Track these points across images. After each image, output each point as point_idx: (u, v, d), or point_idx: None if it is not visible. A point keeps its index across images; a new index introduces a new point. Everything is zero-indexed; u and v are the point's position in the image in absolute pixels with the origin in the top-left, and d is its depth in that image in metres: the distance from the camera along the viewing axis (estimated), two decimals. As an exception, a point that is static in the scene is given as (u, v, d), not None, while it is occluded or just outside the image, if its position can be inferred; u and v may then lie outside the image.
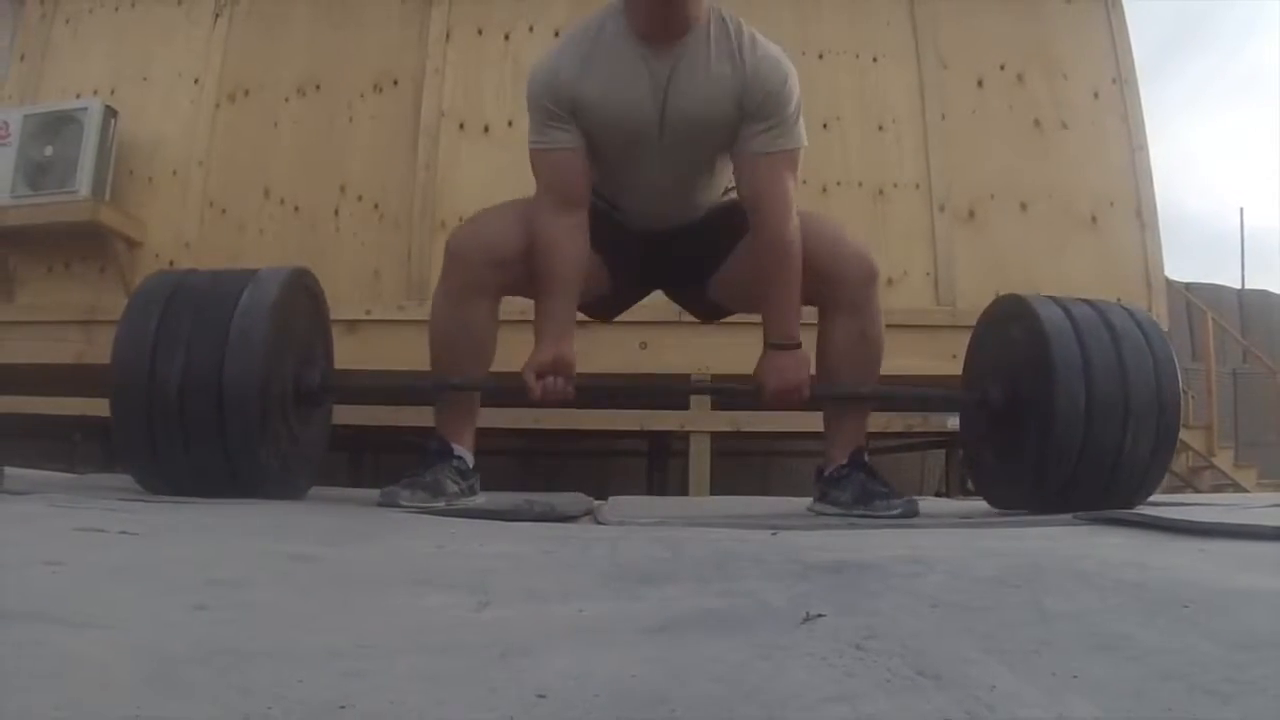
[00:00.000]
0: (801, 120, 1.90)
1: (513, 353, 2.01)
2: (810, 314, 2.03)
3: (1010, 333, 2.13)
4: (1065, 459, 1.93)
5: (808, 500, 2.15)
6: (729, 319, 3.97)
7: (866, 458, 2.05)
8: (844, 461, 2.03)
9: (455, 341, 1.98)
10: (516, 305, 2.08)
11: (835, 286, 1.96)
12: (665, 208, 2.04)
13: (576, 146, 1.89)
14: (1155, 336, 2.03)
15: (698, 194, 2.03)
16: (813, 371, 2.00)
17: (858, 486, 1.97)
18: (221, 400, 1.80)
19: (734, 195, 2.05)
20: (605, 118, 1.87)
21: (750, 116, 1.86)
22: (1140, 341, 1.99)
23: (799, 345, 1.93)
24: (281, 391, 1.95)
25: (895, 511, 1.88)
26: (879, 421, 4.29)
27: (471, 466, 2.00)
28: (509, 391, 1.93)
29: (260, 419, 1.84)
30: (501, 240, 1.93)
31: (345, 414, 4.35)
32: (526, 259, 1.92)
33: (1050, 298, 2.10)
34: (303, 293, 2.08)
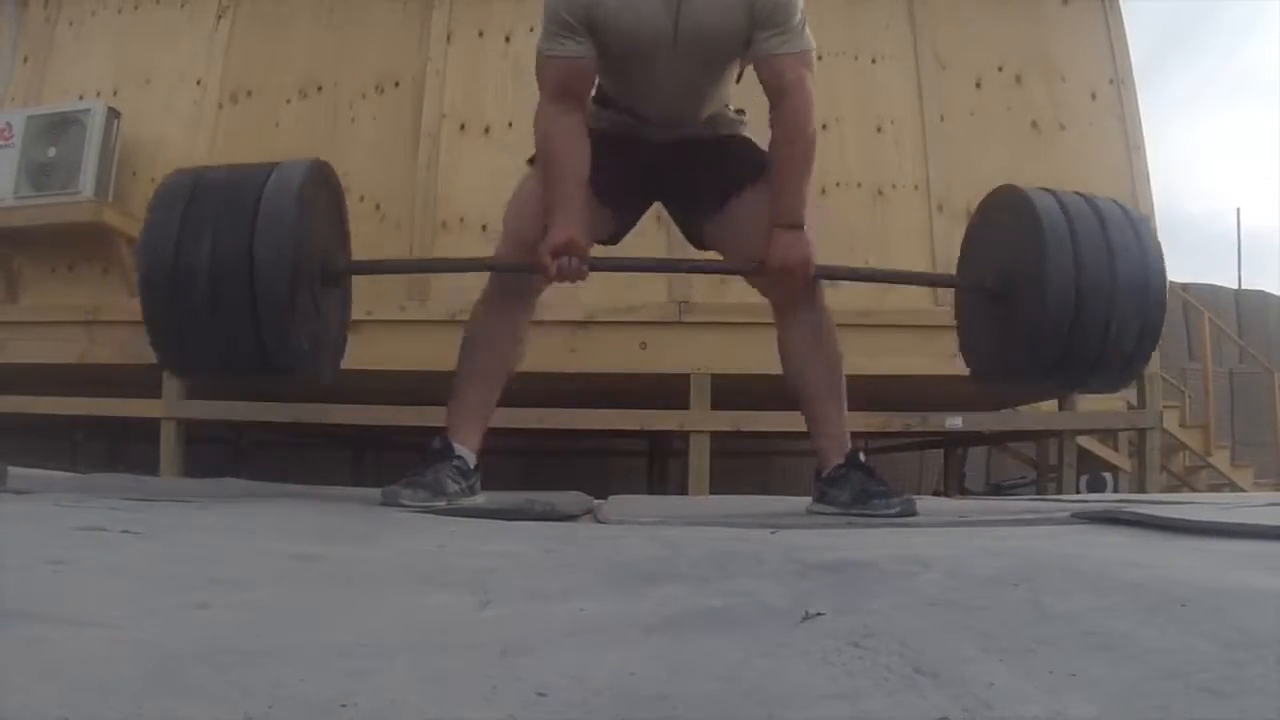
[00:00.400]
0: (808, 29, 2.00)
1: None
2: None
3: (1005, 219, 2.20)
4: (1057, 334, 2.01)
5: (807, 500, 2.15)
6: (729, 319, 3.98)
7: (863, 457, 2.05)
8: (841, 461, 2.03)
9: (491, 345, 2.07)
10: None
11: (782, 300, 2.07)
12: (675, 109, 2.10)
13: (586, 56, 1.96)
14: (1142, 226, 2.12)
15: (705, 97, 2.11)
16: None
17: (856, 486, 1.97)
18: (253, 279, 1.83)
19: (743, 127, 2.16)
20: (621, 29, 1.94)
21: (760, 25, 1.94)
22: (1128, 229, 2.08)
23: (803, 227, 1.99)
24: (309, 272, 1.98)
25: (894, 510, 1.88)
26: (877, 421, 4.30)
27: (473, 467, 2.01)
28: (529, 272, 1.99)
29: (291, 297, 1.87)
30: (535, 237, 1.99)
31: (347, 414, 4.37)
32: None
33: (1043, 188, 2.17)
34: (323, 184, 2.11)
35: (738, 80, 2.14)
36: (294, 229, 1.88)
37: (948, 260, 4.46)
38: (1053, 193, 2.13)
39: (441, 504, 1.85)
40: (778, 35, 1.94)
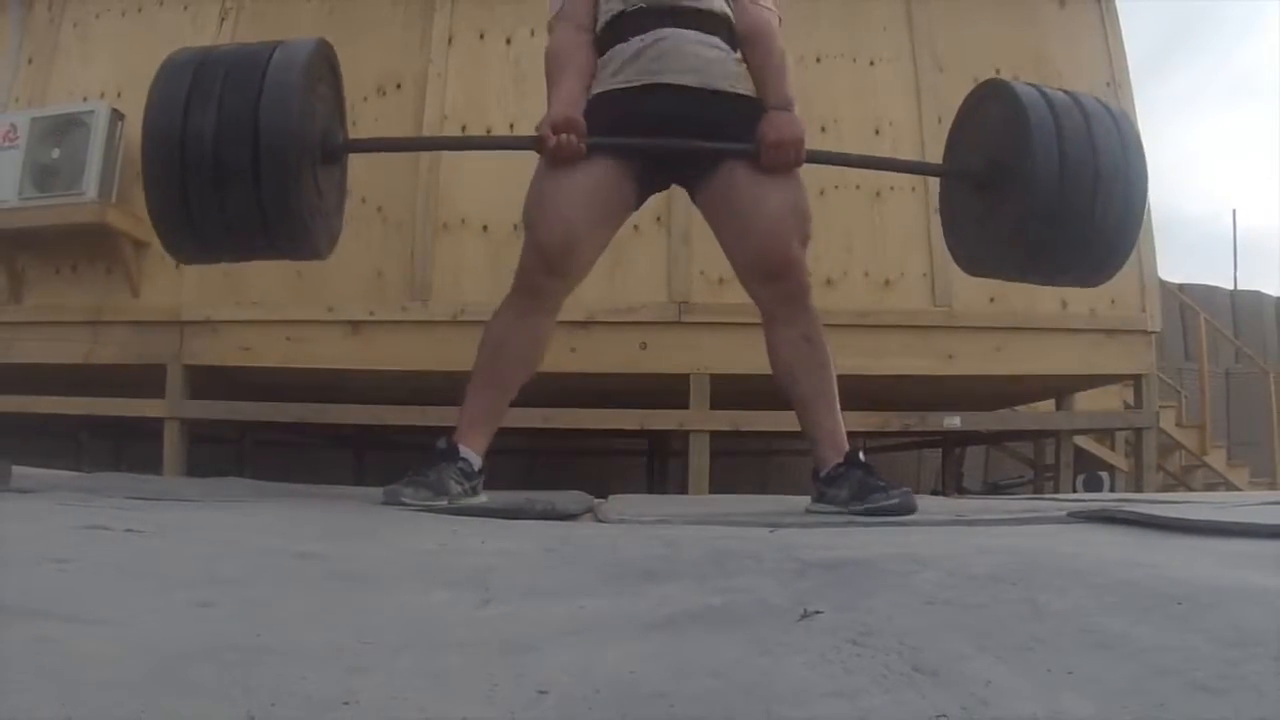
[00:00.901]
0: None
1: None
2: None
3: (990, 110, 2.24)
4: (1039, 219, 2.05)
5: (805, 499, 2.15)
6: (728, 320, 3.97)
7: (862, 455, 2.05)
8: (839, 460, 2.03)
9: (508, 349, 2.06)
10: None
11: (769, 301, 2.09)
12: (688, 43, 2.11)
13: None
14: (1123, 120, 2.17)
15: (716, 37, 2.14)
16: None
17: (855, 483, 1.97)
18: (257, 145, 1.86)
19: (752, 91, 2.17)
20: None
21: None
22: (1109, 121, 2.13)
23: (792, 107, 2.09)
24: (310, 145, 2.00)
25: (893, 502, 1.88)
26: (876, 421, 4.30)
27: (477, 469, 2.00)
28: (524, 147, 2.08)
29: (294, 165, 1.90)
30: (559, 243, 2.03)
31: (349, 414, 4.37)
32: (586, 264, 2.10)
33: (1032, 84, 2.22)
34: (325, 62, 2.13)
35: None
36: (298, 99, 1.91)
37: (946, 261, 4.47)
38: (1037, 87, 2.19)
39: (443, 504, 1.85)
40: None
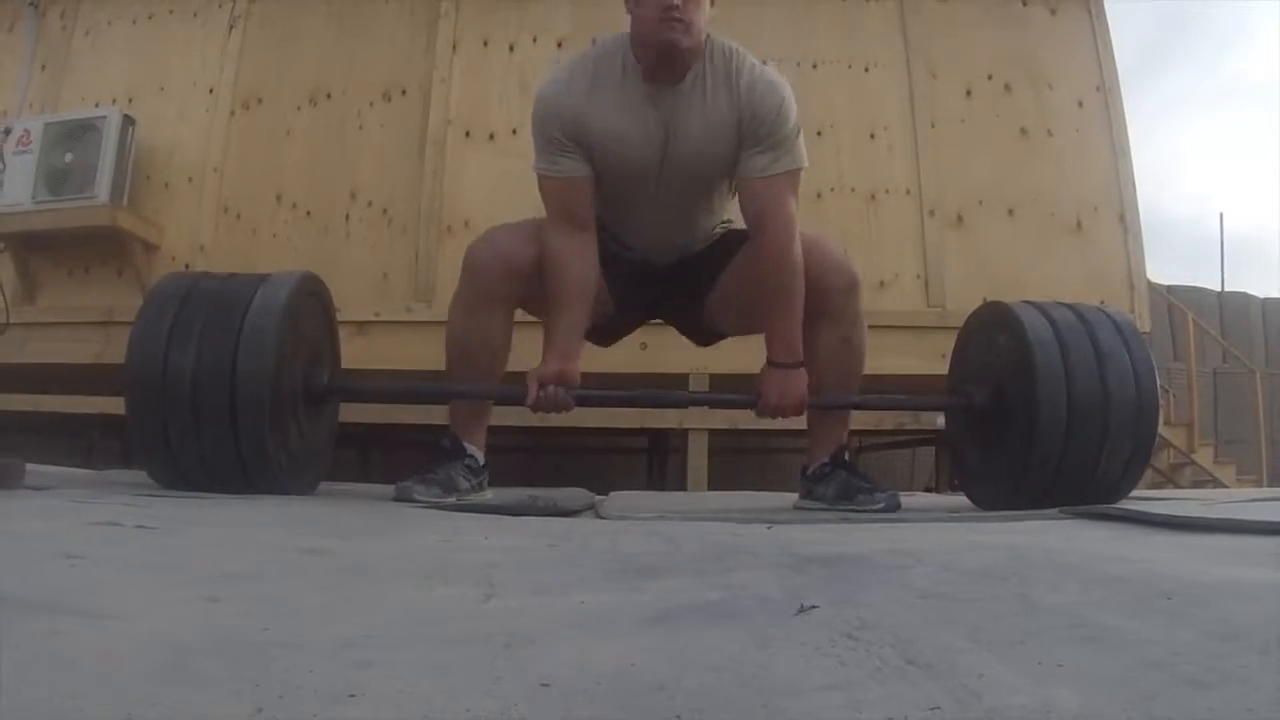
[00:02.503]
0: (801, 140, 1.89)
1: (525, 352, 2.03)
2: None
3: (996, 339, 2.11)
4: (1046, 467, 1.93)
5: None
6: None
7: (847, 455, 2.06)
8: (826, 460, 2.03)
9: (470, 349, 2.00)
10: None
11: (818, 296, 1.95)
12: (666, 234, 2.04)
13: (584, 174, 1.90)
14: (1137, 347, 2.01)
15: (698, 221, 2.03)
16: None
17: (840, 483, 1.97)
18: (234, 394, 1.81)
19: (731, 225, 2.06)
20: (607, 155, 1.88)
21: (749, 140, 1.85)
22: (1122, 354, 1.98)
23: (800, 364, 1.92)
24: (291, 389, 1.95)
25: (878, 505, 1.89)
26: (870, 419, 4.29)
27: (482, 464, 2.01)
28: (511, 399, 1.95)
29: (272, 413, 1.84)
30: (517, 253, 1.94)
31: (354, 412, 4.36)
32: (539, 273, 1.93)
33: (1033, 304, 2.09)
34: (311, 296, 2.08)
35: (732, 195, 2.04)
36: (276, 348, 1.86)
37: (937, 263, 4.48)
38: (1040, 308, 2.06)
39: (452, 500, 1.85)
40: (766, 153, 1.85)
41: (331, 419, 2.25)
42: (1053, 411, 1.89)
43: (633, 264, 2.06)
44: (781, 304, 1.89)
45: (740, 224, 2.03)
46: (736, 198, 1.97)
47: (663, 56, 1.81)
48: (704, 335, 2.25)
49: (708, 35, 1.85)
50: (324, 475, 2.20)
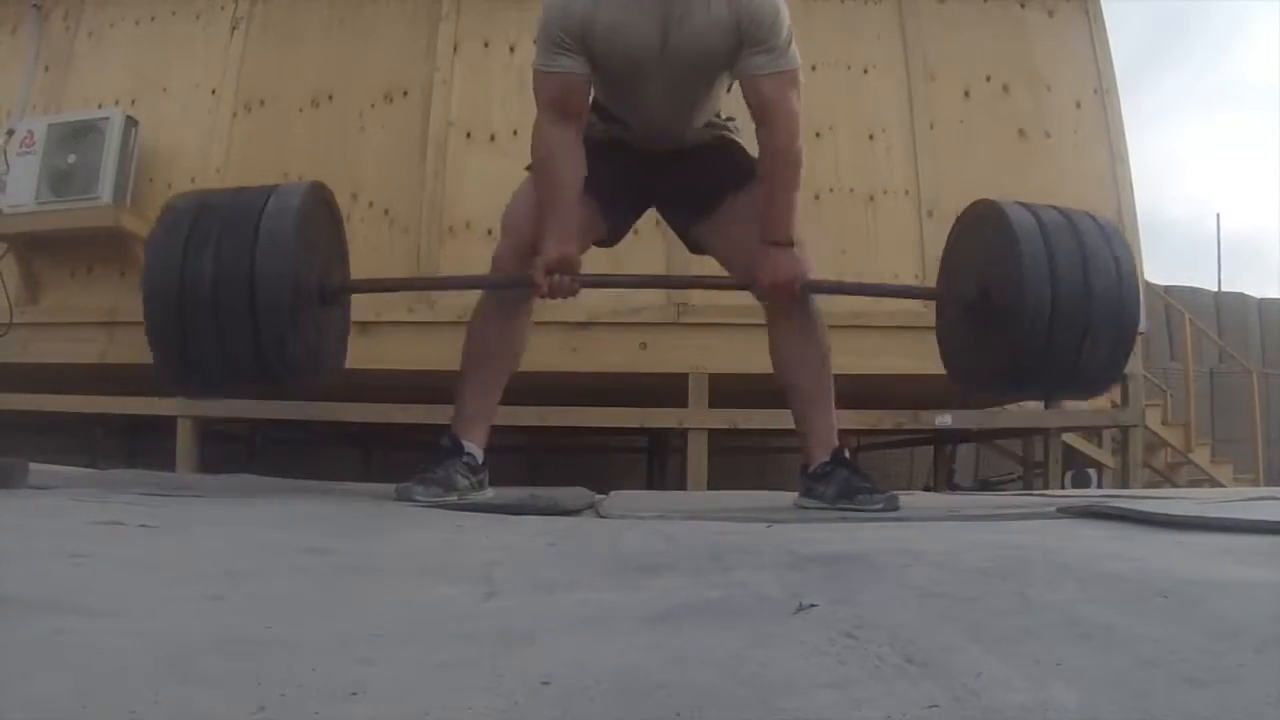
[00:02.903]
0: (794, 47, 1.97)
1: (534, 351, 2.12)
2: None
3: (982, 233, 2.18)
4: (1031, 356, 2.00)
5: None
6: (726, 320, 3.97)
7: (848, 454, 2.06)
8: (827, 458, 2.03)
9: (491, 346, 2.06)
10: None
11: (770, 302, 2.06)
12: (666, 120, 2.09)
13: (581, 73, 1.95)
14: (1115, 237, 2.09)
15: (695, 110, 2.10)
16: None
17: (841, 482, 1.97)
18: (253, 295, 1.85)
19: (737, 129, 2.13)
20: (612, 48, 1.93)
21: (748, 41, 1.92)
22: (1101, 241, 2.05)
23: (793, 244, 1.99)
24: (307, 290, 1.99)
25: (878, 505, 1.89)
26: (870, 419, 4.30)
27: (481, 462, 2.01)
28: (522, 283, 2.00)
29: (290, 312, 1.89)
30: (531, 238, 1.99)
31: (357, 412, 4.37)
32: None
33: (1021, 203, 2.14)
34: (322, 204, 2.12)
35: (728, 90, 2.12)
36: (293, 245, 1.90)
37: (935, 263, 4.47)
38: (1028, 206, 2.10)
39: (453, 499, 1.85)
40: (763, 54, 1.92)
41: (344, 318, 2.29)
42: (1037, 304, 1.96)
43: (631, 154, 2.11)
44: (781, 190, 1.97)
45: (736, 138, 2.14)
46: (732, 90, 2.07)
47: None
48: (690, 245, 2.29)
49: None
50: (337, 370, 2.24)
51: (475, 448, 2.01)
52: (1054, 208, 2.13)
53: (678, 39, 1.92)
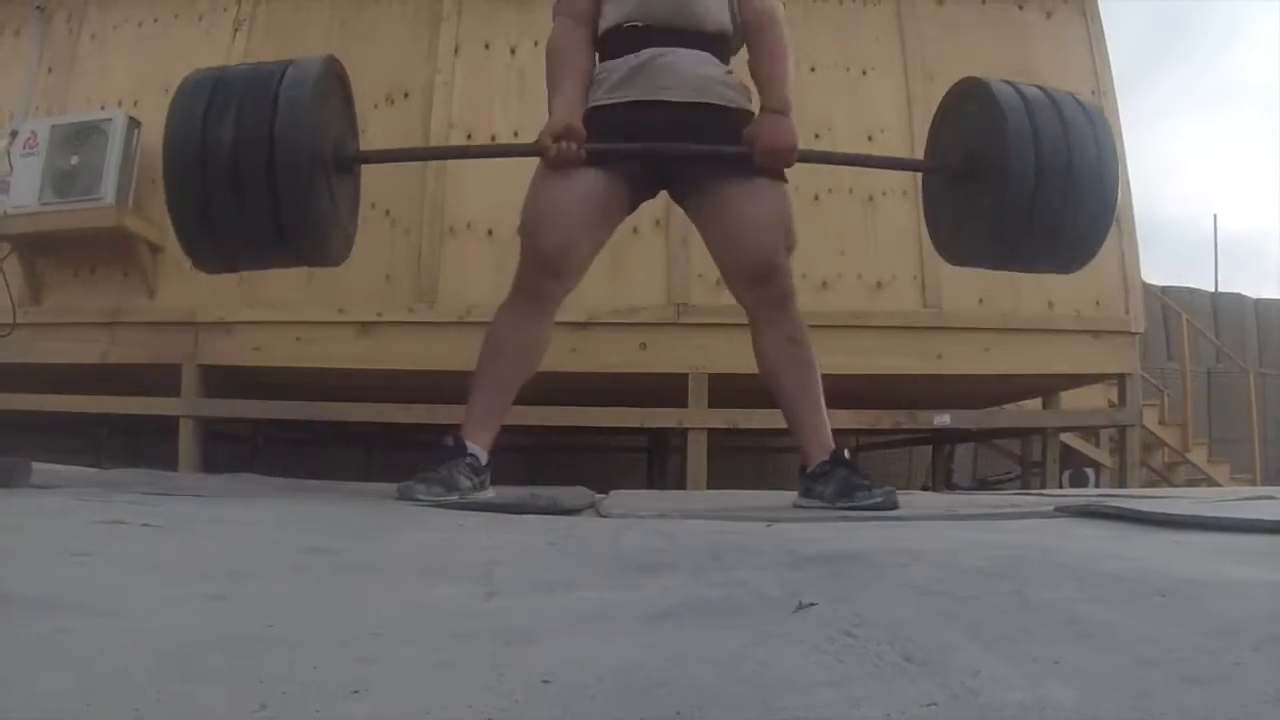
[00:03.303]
0: None
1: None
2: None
3: (969, 108, 2.25)
4: (1014, 219, 2.07)
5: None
6: (725, 321, 3.98)
7: (846, 454, 2.06)
8: (825, 458, 2.03)
9: (509, 350, 2.07)
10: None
11: (755, 306, 2.10)
12: (671, 11, 2.09)
13: None
14: (1097, 118, 2.18)
15: (700, 7, 2.11)
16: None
17: (839, 481, 1.97)
18: (273, 156, 1.89)
19: (745, 99, 2.13)
20: None
21: None
22: (1083, 120, 2.13)
23: (789, 112, 2.05)
24: (324, 156, 2.02)
25: (876, 501, 1.89)
26: (868, 418, 4.30)
27: (484, 464, 2.01)
28: (528, 152, 2.08)
29: (309, 175, 1.92)
30: (557, 249, 2.04)
31: (358, 412, 4.37)
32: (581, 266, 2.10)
33: (1007, 81, 2.22)
34: (336, 78, 2.14)
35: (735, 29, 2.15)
36: (311, 112, 1.94)
37: (937, 265, 4.47)
38: (1012, 83, 2.19)
39: (454, 499, 1.85)
40: None
41: (356, 187, 2.33)
42: (1021, 167, 2.03)
43: (643, 110, 2.08)
44: (771, 57, 2.08)
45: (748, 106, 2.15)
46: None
47: None
48: (678, 198, 2.26)
49: None
50: (350, 244, 2.29)
51: (479, 449, 2.00)
52: (1039, 86, 2.22)
53: None
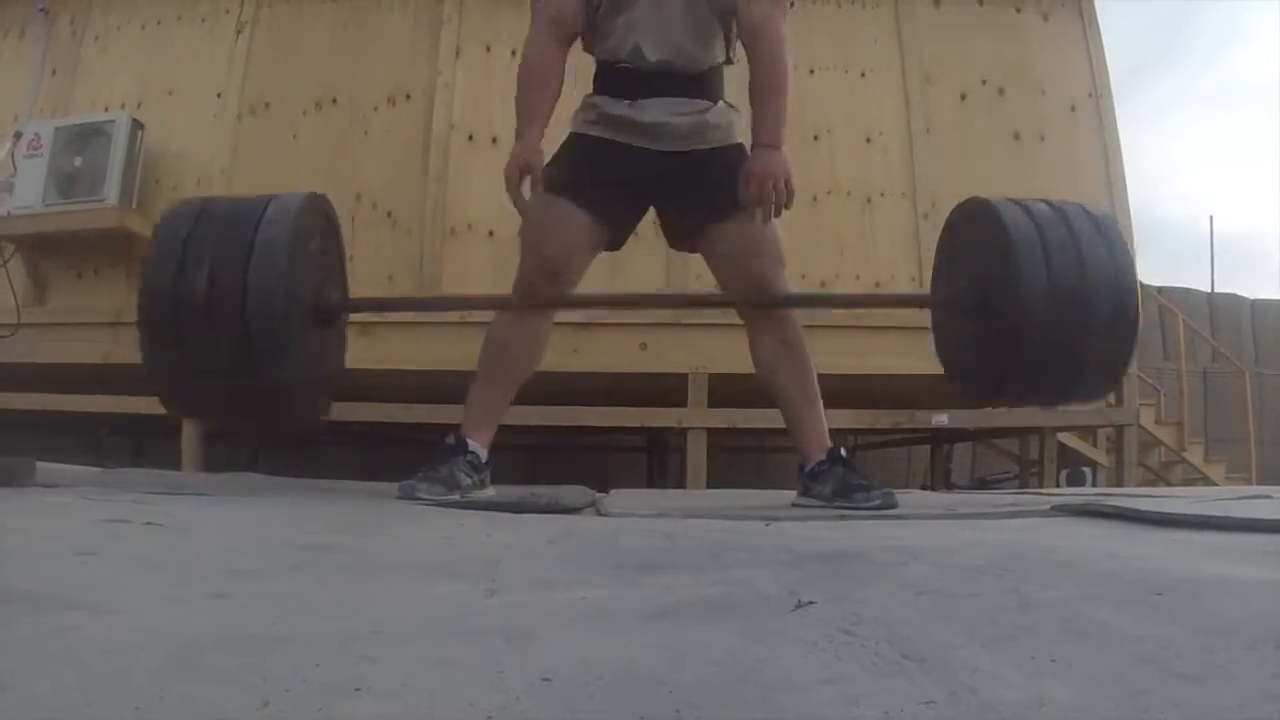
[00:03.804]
0: None
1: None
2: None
3: (974, 233, 2.11)
4: (1031, 357, 1.94)
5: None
6: (724, 321, 3.98)
7: (843, 453, 2.06)
8: (823, 457, 2.03)
9: (509, 349, 2.07)
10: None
11: (748, 312, 2.11)
12: (666, 42, 2.06)
13: None
14: (1109, 228, 2.01)
15: (697, 47, 2.08)
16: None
17: (837, 480, 1.97)
18: (245, 307, 1.79)
19: (737, 129, 2.12)
20: None
21: None
22: (1095, 234, 1.97)
23: (781, 146, 2.02)
24: (301, 306, 1.93)
25: (874, 503, 1.89)
26: (867, 418, 4.29)
27: (484, 461, 2.01)
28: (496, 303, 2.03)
29: (283, 328, 1.83)
30: (559, 254, 2.04)
31: (359, 411, 4.37)
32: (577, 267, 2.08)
33: (1014, 200, 2.07)
34: (320, 216, 2.08)
35: (728, 59, 2.14)
36: (288, 261, 1.85)
37: (930, 264, 4.48)
38: (1018, 202, 2.04)
39: (455, 497, 1.85)
40: None
41: (340, 342, 2.23)
42: (1033, 303, 1.89)
43: (628, 153, 2.08)
44: (770, 95, 2.03)
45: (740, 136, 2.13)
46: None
47: None
48: (681, 246, 2.30)
49: None
50: (330, 402, 2.19)
51: (479, 447, 2.01)
52: (1044, 201, 2.06)
53: None
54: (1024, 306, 1.90)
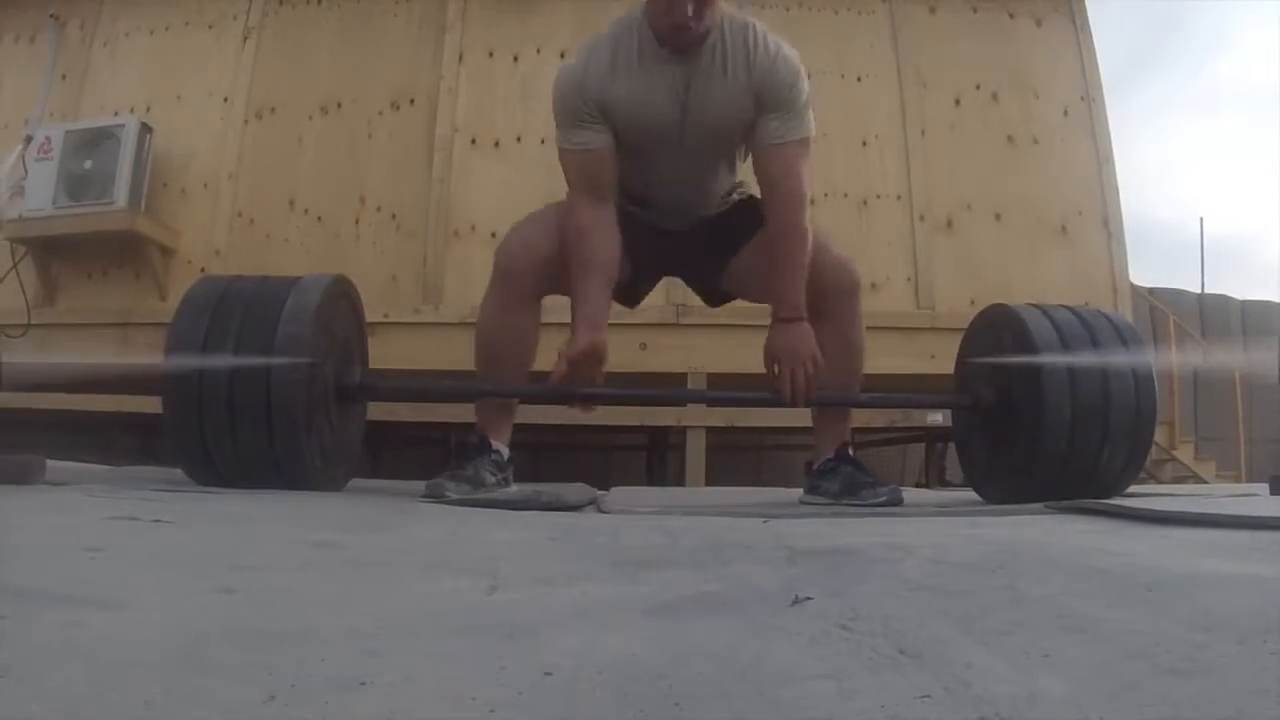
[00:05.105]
0: (810, 111, 1.94)
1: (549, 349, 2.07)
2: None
3: (1001, 341, 2.12)
4: (1050, 465, 1.97)
5: (798, 491, 2.15)
6: (723, 322, 3.97)
7: (851, 451, 2.06)
8: (831, 455, 2.03)
9: (502, 348, 2.00)
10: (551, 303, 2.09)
11: (819, 295, 1.95)
12: (685, 196, 2.04)
13: (605, 146, 1.88)
14: (1132, 340, 2.06)
15: (714, 183, 2.04)
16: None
17: (845, 478, 1.97)
18: (269, 394, 1.82)
19: (747, 192, 2.09)
20: (629, 121, 1.87)
21: (767, 106, 1.88)
22: (1119, 347, 2.02)
23: (804, 319, 1.91)
24: (323, 390, 1.95)
25: (881, 499, 1.89)
26: (863, 417, 4.29)
27: (507, 459, 2.02)
28: (542, 397, 1.98)
29: (305, 416, 1.85)
30: (543, 246, 1.93)
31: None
32: (564, 258, 1.91)
33: (1036, 306, 2.11)
34: (342, 298, 2.09)
35: (742, 160, 2.08)
36: (308, 352, 1.86)
37: (927, 266, 4.48)
38: (1043, 309, 2.08)
39: (481, 495, 1.85)
40: (778, 119, 1.87)
41: (361, 416, 2.25)
42: (1058, 412, 1.93)
43: (651, 227, 2.05)
44: (786, 265, 1.89)
45: (754, 189, 2.05)
46: (750, 161, 2.00)
47: (675, 42, 1.83)
48: (716, 297, 2.24)
49: (725, 9, 1.86)
50: (353, 472, 2.19)
51: (502, 445, 2.02)
52: (1067, 308, 2.11)
53: (697, 108, 1.86)
54: (1048, 419, 1.95)
